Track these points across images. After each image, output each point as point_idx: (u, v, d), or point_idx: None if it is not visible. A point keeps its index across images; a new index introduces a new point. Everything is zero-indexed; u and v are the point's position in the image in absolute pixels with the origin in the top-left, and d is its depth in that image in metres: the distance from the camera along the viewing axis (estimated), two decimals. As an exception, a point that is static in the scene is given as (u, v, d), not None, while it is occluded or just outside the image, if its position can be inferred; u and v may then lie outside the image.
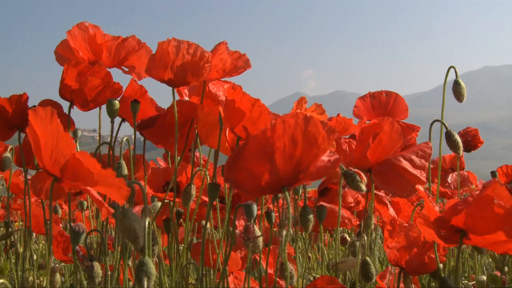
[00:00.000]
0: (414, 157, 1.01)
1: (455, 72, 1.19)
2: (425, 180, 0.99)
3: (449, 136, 1.12)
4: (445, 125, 1.15)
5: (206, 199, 1.23)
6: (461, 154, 1.13)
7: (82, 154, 0.73)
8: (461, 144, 1.11)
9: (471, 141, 1.75)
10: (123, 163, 1.02)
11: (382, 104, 1.65)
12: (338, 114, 1.34)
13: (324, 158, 0.71)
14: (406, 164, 1.00)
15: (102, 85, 1.06)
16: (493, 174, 2.35)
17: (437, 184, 2.30)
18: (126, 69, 1.21)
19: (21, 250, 1.41)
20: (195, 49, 1.02)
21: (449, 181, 2.20)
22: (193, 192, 1.12)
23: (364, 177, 0.92)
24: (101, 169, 0.72)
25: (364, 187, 0.91)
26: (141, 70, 1.19)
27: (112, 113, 1.05)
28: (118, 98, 1.13)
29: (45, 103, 1.10)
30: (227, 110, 0.91)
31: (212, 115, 1.07)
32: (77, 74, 1.05)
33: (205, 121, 1.07)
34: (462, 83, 1.19)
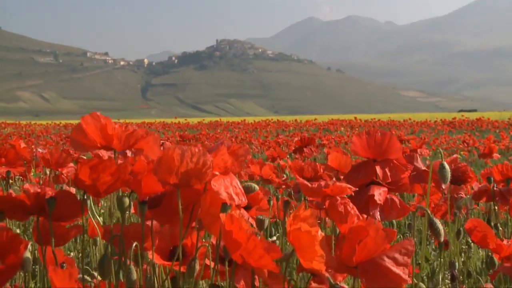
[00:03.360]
0: (397, 255, 1.11)
1: (441, 155, 1.27)
2: (407, 278, 1.10)
3: (431, 225, 1.21)
4: (428, 212, 1.23)
5: (210, 263, 1.34)
6: (441, 241, 1.22)
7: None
8: (442, 232, 1.20)
9: (461, 176, 1.84)
10: (133, 268, 1.13)
11: (377, 143, 1.73)
12: (334, 183, 1.42)
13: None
14: (389, 263, 1.10)
15: (112, 180, 1.16)
16: (488, 180, 2.43)
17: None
18: (135, 151, 1.29)
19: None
20: (198, 158, 1.10)
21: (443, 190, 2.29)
22: (197, 267, 1.23)
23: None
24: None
25: (348, 301, 1.02)
26: (148, 152, 1.28)
27: (122, 211, 1.15)
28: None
29: (62, 194, 1.20)
30: (225, 238, 1.01)
31: (214, 207, 1.16)
32: (89, 169, 1.14)
33: (207, 212, 1.17)
34: (447, 167, 1.26)
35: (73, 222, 1.28)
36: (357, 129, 19.56)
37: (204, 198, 1.16)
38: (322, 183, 1.43)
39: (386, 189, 1.66)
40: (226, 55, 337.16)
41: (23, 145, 3.56)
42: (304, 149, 4.31)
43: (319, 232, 1.05)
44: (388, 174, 1.73)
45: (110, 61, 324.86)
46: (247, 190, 1.29)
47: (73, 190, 2.49)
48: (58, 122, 32.66)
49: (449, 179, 1.29)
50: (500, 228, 2.24)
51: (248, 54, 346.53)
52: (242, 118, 42.49)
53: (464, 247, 2.44)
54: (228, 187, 1.15)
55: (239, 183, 1.18)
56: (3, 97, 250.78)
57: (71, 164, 2.35)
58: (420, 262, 2.06)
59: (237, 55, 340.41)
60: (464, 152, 11.68)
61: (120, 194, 1.27)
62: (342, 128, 17.56)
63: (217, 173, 1.17)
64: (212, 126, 24.36)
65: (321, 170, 2.14)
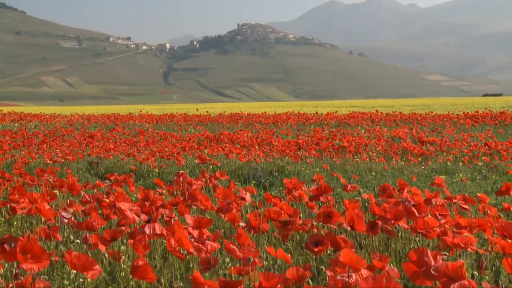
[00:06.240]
0: None
1: None
2: None
3: None
4: None
5: None
6: None
7: None
8: None
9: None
10: None
11: (383, 288, 1.82)
12: None
13: None
14: None
15: None
16: (497, 283, 2.47)
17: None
18: None
19: None
20: None
21: (451, 291, 2.33)
22: None
23: None
24: None
25: None
26: None
27: None
28: None
29: None
30: None
31: None
32: None
33: None
34: None
35: None
36: (377, 125, 19.52)
37: None
38: None
39: (391, 338, 1.77)
40: (247, 39, 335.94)
41: (47, 207, 3.74)
42: (320, 197, 4.39)
43: None
44: (393, 321, 1.82)
45: (132, 46, 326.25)
46: None
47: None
48: (81, 112, 33.29)
49: None
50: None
51: (270, 38, 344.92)
52: (264, 106, 42.53)
53: None
54: None
55: None
56: (29, 82, 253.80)
57: (96, 267, 2.47)
58: None
59: (259, 39, 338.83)
60: (486, 158, 11.61)
61: None
62: (363, 131, 17.54)
63: None
64: (233, 119, 24.52)
65: None
